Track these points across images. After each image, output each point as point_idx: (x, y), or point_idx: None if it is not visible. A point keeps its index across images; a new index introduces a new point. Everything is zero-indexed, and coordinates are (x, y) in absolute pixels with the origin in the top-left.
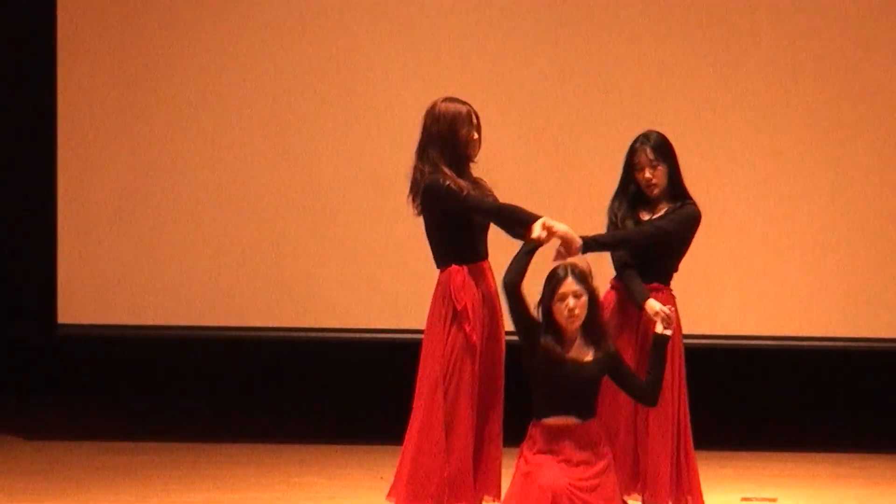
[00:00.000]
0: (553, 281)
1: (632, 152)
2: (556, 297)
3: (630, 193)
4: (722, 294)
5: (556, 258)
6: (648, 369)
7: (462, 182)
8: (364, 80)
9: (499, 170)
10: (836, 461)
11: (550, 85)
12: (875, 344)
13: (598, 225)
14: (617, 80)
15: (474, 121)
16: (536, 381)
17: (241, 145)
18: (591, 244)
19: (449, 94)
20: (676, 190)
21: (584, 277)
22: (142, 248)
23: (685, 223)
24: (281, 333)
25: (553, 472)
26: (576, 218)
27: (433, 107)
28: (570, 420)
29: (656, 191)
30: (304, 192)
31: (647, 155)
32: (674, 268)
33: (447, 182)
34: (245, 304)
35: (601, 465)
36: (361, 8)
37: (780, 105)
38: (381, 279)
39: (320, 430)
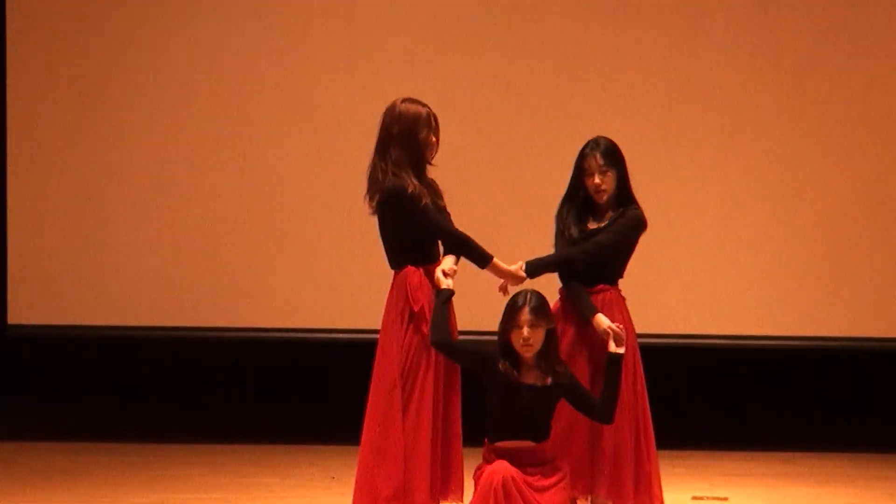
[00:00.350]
0: (511, 309)
1: (581, 157)
2: (513, 325)
3: (579, 199)
4: (673, 293)
5: (501, 288)
6: (603, 388)
7: (423, 189)
8: (318, 79)
9: (445, 171)
10: (788, 460)
11: (498, 88)
12: (827, 343)
13: (544, 227)
14: (566, 83)
15: (433, 123)
16: (492, 405)
17: (194, 144)
18: (534, 270)
19: (398, 93)
20: (623, 196)
21: (541, 308)
22: (92, 248)
23: (626, 231)
24: (232, 333)
25: (502, 463)
26: (521, 220)
27: (393, 107)
28: (525, 443)
29: (605, 196)
30: (256, 192)
31: (596, 161)
32: (620, 271)
33: (411, 189)
34: (196, 304)
35: (553, 479)
36: (312, 10)
37: (728, 107)
38: (334, 279)
39: (272, 429)
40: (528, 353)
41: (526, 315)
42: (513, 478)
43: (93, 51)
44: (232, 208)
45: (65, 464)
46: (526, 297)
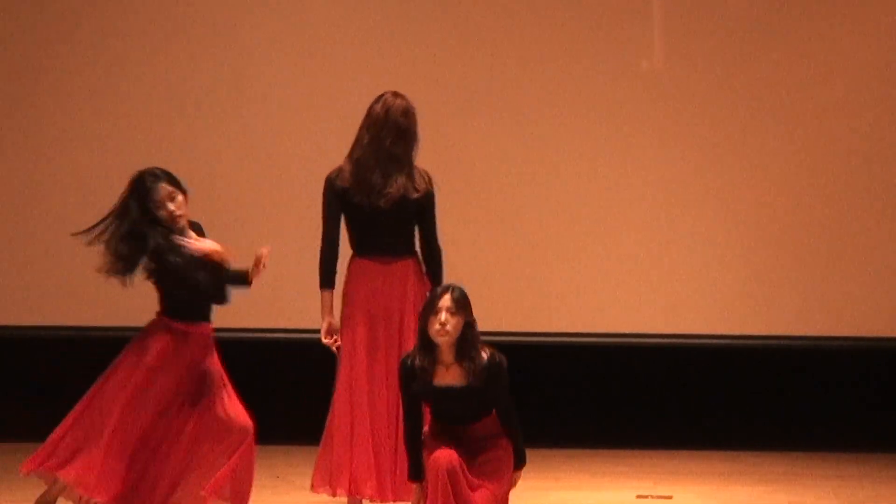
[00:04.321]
0: (432, 297)
1: None
2: (432, 311)
3: None
4: (617, 292)
5: None
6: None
7: None
8: (252, 77)
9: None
10: (731, 458)
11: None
12: (768, 341)
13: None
14: (495, 80)
15: None
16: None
17: (124, 142)
18: None
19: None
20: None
21: (462, 300)
22: (30, 248)
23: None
24: None
25: (443, 451)
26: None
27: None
28: (465, 425)
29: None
30: (197, 193)
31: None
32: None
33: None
34: (136, 304)
35: (495, 453)
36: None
37: (670, 103)
38: (273, 277)
39: None
40: (443, 339)
41: (446, 301)
42: (459, 465)
43: (25, 48)
44: None
45: (10, 463)
46: (449, 288)
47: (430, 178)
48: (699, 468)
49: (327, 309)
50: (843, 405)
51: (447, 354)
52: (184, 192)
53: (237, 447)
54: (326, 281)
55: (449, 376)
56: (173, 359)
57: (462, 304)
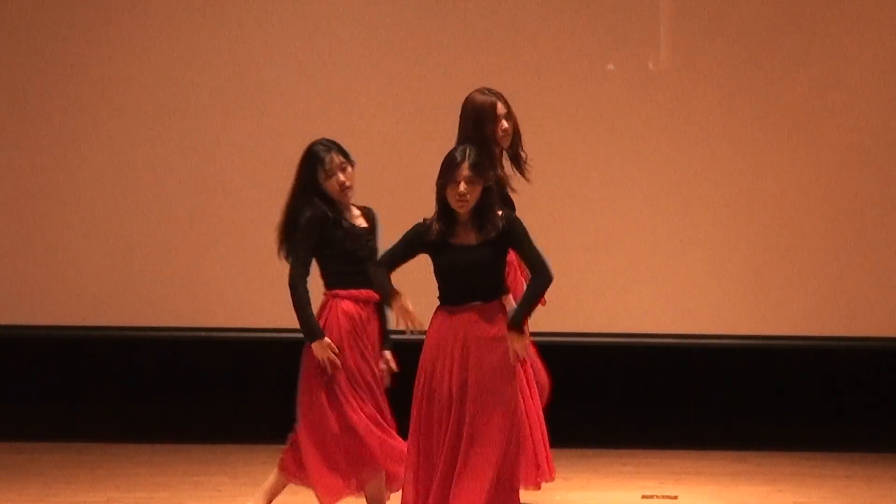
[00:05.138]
0: (450, 164)
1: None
2: (451, 180)
3: None
4: (623, 292)
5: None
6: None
7: None
8: (260, 77)
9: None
10: (738, 459)
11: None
12: (777, 342)
13: None
14: (501, 83)
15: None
16: (435, 271)
17: (138, 144)
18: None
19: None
20: None
21: (480, 164)
22: (39, 247)
23: None
24: (182, 333)
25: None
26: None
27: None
28: (472, 304)
29: None
30: (207, 190)
31: None
32: None
33: None
34: (144, 304)
35: (500, 356)
36: (257, 10)
37: (683, 103)
38: (274, 278)
39: (222, 429)
40: (462, 209)
41: (465, 171)
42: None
43: (32, 47)
44: (179, 206)
45: (16, 463)
46: (465, 153)
47: (495, 172)
48: (705, 468)
49: None
50: (849, 405)
51: (465, 216)
52: (352, 165)
53: None
54: None
55: (466, 236)
56: (367, 328)
57: (479, 170)
